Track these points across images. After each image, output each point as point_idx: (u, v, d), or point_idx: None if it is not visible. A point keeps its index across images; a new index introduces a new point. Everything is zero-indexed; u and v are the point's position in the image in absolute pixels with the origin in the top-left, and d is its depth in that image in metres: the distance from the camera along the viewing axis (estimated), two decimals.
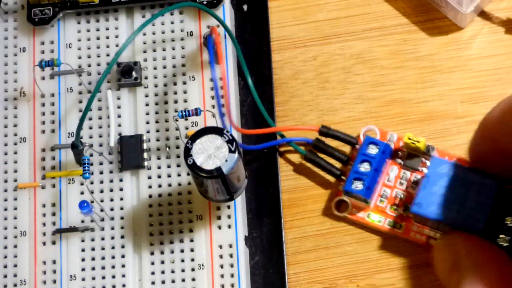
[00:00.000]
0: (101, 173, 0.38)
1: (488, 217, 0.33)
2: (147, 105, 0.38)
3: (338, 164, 0.38)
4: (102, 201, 0.37)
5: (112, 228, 0.37)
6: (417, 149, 0.37)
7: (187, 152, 0.33)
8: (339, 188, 0.38)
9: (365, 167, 0.36)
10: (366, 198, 0.36)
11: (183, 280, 0.36)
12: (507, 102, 0.30)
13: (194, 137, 0.33)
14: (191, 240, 0.37)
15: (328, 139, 0.38)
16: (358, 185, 0.36)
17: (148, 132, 0.38)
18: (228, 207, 0.37)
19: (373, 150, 0.36)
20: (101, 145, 0.38)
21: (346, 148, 0.38)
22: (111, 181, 0.38)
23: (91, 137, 0.38)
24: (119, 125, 0.38)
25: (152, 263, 0.36)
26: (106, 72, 0.35)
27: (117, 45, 0.39)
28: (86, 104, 0.35)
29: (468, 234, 0.33)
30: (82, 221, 0.37)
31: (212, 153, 0.32)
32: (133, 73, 0.38)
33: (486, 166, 0.33)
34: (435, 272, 0.33)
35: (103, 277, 0.37)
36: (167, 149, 0.38)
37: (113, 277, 0.36)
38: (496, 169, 0.33)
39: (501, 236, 0.33)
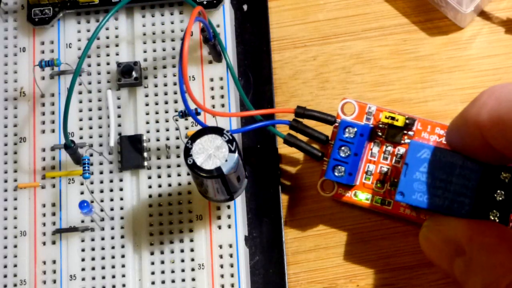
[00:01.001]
0: (101, 173, 0.38)
1: (474, 199, 0.33)
2: (147, 105, 0.38)
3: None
4: (102, 201, 0.37)
5: (112, 228, 0.37)
6: (397, 126, 0.36)
7: (187, 152, 0.33)
8: (323, 168, 0.37)
9: (345, 152, 0.35)
10: (349, 184, 0.36)
11: (183, 280, 0.36)
12: (499, 105, 0.30)
13: (194, 137, 0.33)
14: (191, 240, 0.37)
15: (306, 121, 0.37)
16: (339, 172, 0.35)
17: (148, 132, 0.38)
18: (228, 207, 0.37)
19: (350, 133, 0.35)
20: (101, 145, 0.38)
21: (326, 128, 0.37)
22: (111, 181, 0.38)
23: (91, 137, 0.38)
24: (119, 125, 0.38)
25: (152, 263, 0.36)
26: (78, 68, 0.35)
27: (117, 45, 0.39)
28: (65, 102, 0.35)
29: (460, 218, 0.32)
30: (82, 221, 0.37)
31: (212, 153, 0.32)
32: (133, 73, 0.38)
33: (468, 154, 0.33)
34: (428, 258, 0.33)
35: (103, 277, 0.37)
36: (167, 149, 0.38)
37: (113, 277, 0.37)
38: (479, 157, 0.33)
39: (491, 212, 0.33)
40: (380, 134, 0.37)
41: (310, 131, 0.37)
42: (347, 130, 0.35)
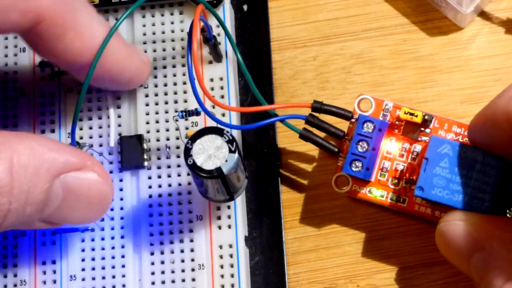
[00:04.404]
0: None
1: (494, 195, 0.33)
2: (147, 105, 0.38)
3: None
4: None
5: (112, 228, 0.37)
6: (415, 122, 0.36)
7: (187, 152, 0.33)
8: (338, 164, 0.37)
9: (362, 146, 0.35)
10: (366, 179, 0.36)
11: (183, 280, 0.36)
12: None
13: (194, 137, 0.33)
14: (191, 240, 0.37)
15: (322, 115, 0.37)
16: (356, 167, 0.35)
17: (148, 132, 0.38)
18: (228, 207, 0.37)
19: (369, 128, 0.35)
20: (101, 145, 0.38)
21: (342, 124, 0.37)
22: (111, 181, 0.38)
23: (91, 137, 0.38)
24: (119, 125, 0.38)
25: (152, 263, 0.36)
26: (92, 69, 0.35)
27: None
28: (76, 104, 0.35)
29: (480, 214, 0.32)
30: None
31: (212, 153, 0.32)
32: None
33: (493, 148, 0.33)
34: (443, 254, 0.33)
35: (103, 277, 0.37)
36: (167, 149, 0.38)
37: (113, 277, 0.37)
38: (505, 151, 0.33)
39: (508, 210, 0.33)
40: (396, 131, 0.37)
41: (326, 126, 0.37)
42: (365, 125, 0.35)
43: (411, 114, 0.36)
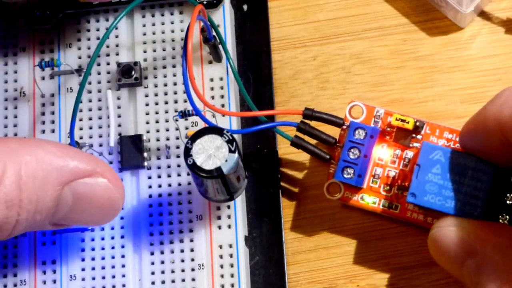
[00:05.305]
0: None
1: (486, 201, 0.33)
2: (147, 105, 0.38)
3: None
4: None
5: (112, 228, 0.37)
6: (406, 128, 0.36)
7: (187, 152, 0.33)
8: (330, 171, 0.37)
9: (354, 153, 0.35)
10: (358, 186, 0.36)
11: (183, 280, 0.36)
12: None
13: (194, 137, 0.33)
14: (191, 240, 0.37)
15: (314, 123, 0.37)
16: (348, 174, 0.35)
17: (148, 132, 0.38)
18: (228, 207, 0.37)
19: (360, 135, 0.35)
20: (101, 145, 0.38)
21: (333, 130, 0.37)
22: None
23: (91, 137, 0.38)
24: (119, 125, 0.38)
25: (152, 263, 0.36)
26: (90, 65, 0.35)
27: (117, 45, 0.39)
28: (75, 100, 0.35)
29: (473, 220, 0.32)
30: None
31: (212, 153, 0.33)
32: (133, 73, 0.38)
33: (484, 154, 0.33)
34: (436, 260, 0.33)
35: (103, 277, 0.37)
36: (167, 149, 0.38)
37: (113, 277, 0.37)
38: (495, 157, 0.33)
39: (501, 215, 0.33)
40: (388, 138, 0.37)
41: (317, 133, 0.37)
42: (357, 132, 0.35)
43: (403, 120, 0.36)
